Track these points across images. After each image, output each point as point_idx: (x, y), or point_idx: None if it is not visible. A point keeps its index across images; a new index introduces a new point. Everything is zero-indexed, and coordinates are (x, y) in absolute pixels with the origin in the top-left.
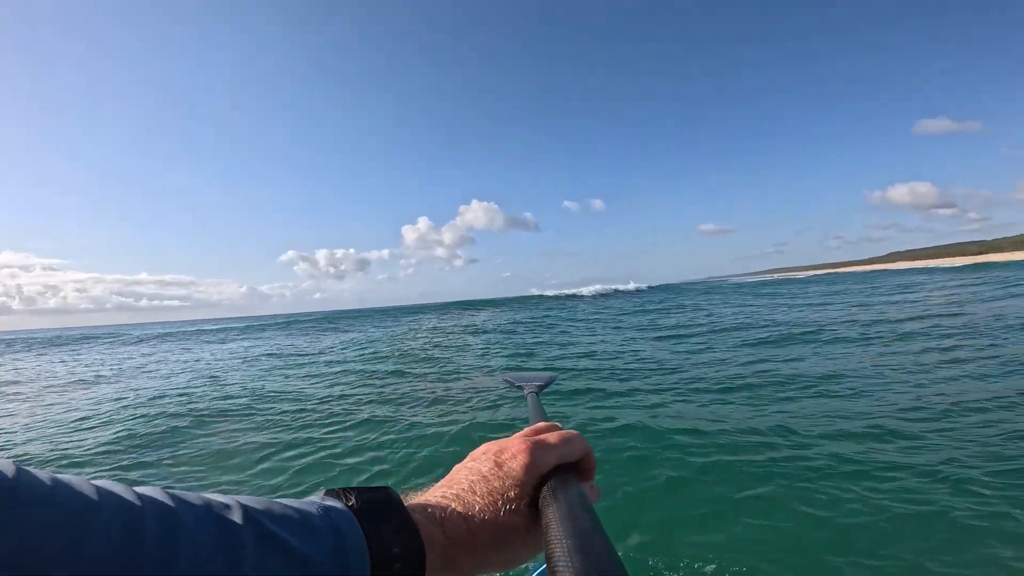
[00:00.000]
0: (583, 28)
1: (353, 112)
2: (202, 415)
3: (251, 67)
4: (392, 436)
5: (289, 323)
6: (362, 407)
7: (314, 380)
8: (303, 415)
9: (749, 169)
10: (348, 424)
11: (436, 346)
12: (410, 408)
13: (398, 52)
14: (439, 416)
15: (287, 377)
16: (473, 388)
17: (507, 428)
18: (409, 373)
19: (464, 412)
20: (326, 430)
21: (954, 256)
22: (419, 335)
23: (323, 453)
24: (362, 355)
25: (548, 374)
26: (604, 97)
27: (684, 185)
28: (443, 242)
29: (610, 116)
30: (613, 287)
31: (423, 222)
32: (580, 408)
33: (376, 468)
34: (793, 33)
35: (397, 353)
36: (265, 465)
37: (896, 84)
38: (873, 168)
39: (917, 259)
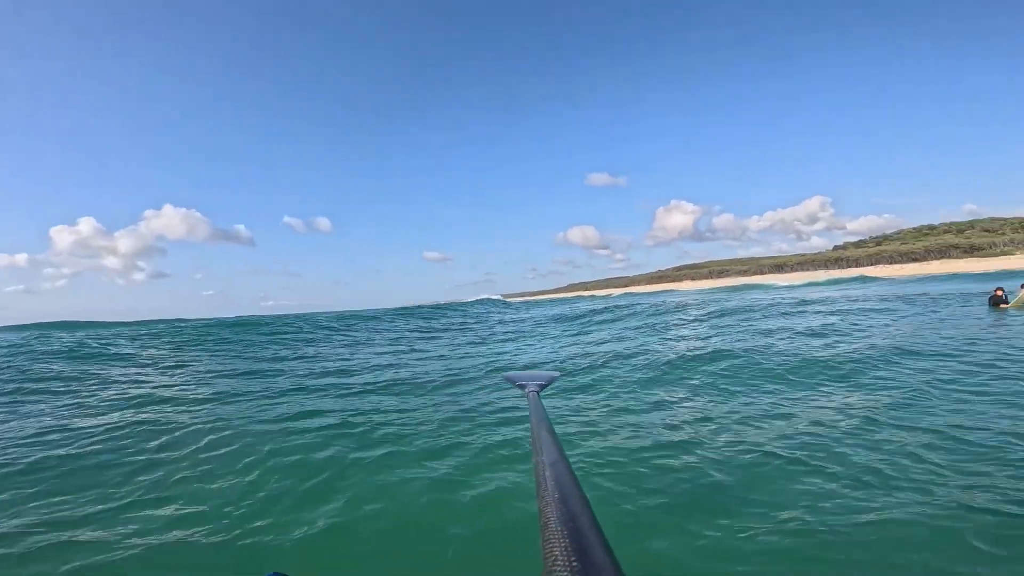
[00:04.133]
0: (312, 40)
1: None
2: None
3: None
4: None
5: None
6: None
7: None
8: None
9: (466, 203)
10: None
11: None
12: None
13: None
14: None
15: None
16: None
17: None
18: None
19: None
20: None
21: (611, 288)
22: None
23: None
24: None
25: (549, 373)
26: (335, 120)
27: (411, 212)
28: (117, 250)
29: (337, 133)
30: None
31: (87, 224)
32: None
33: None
34: (502, 92)
35: None
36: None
37: (574, 140)
38: (560, 212)
39: (588, 290)
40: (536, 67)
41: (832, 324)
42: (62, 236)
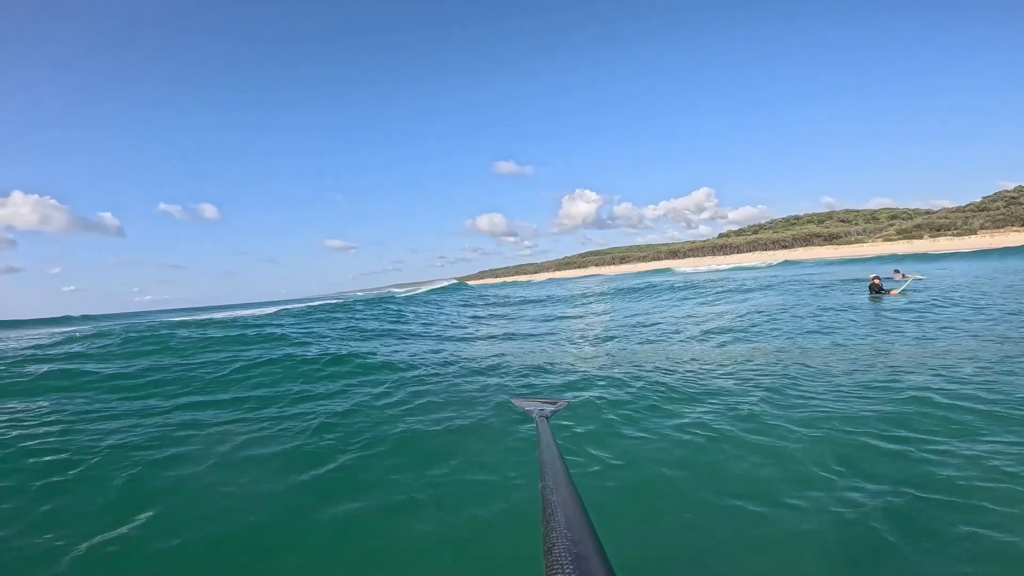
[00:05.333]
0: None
1: None
2: None
3: None
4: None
5: None
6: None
7: None
8: None
9: (368, 191)
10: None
11: None
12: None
13: None
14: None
15: None
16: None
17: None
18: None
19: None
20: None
21: (522, 275)
22: None
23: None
24: None
25: (559, 399)
26: (218, 102)
27: (308, 199)
28: None
29: (219, 115)
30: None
31: None
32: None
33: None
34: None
35: None
36: None
37: (480, 128)
38: (466, 200)
39: (498, 276)
40: (438, 52)
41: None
42: None
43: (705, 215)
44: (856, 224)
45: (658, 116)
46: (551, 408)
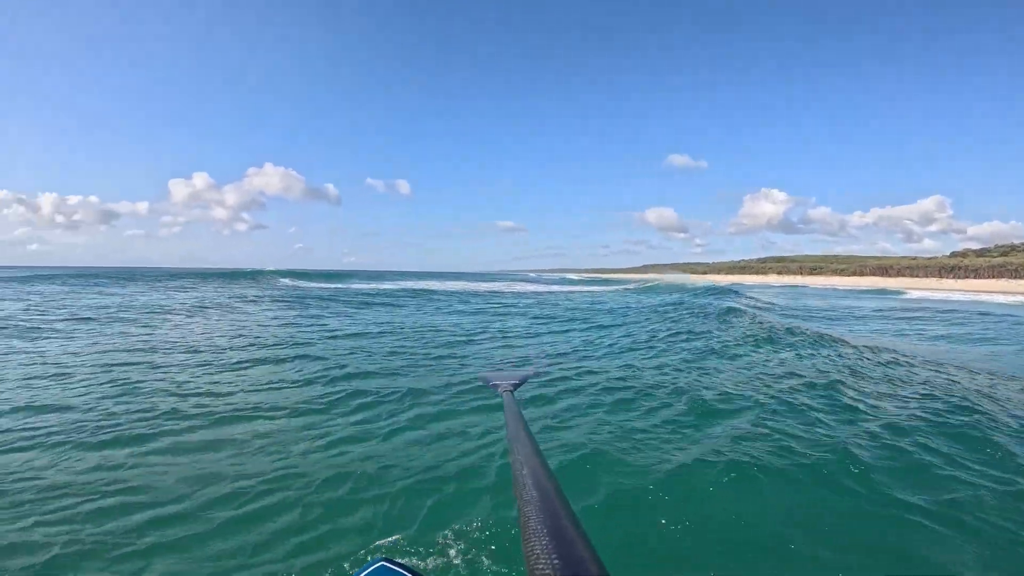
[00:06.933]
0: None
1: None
2: None
3: None
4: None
5: None
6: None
7: None
8: None
9: (541, 176)
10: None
11: None
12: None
13: None
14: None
15: None
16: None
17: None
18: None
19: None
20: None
21: (688, 272)
22: None
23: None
24: None
25: (524, 371)
26: (421, 88)
27: (487, 179)
28: (224, 203)
29: (420, 99)
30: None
31: (201, 178)
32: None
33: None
34: (584, 75)
35: None
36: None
37: (656, 119)
38: (635, 192)
39: (662, 272)
40: (617, 45)
41: None
42: (179, 188)
43: (933, 227)
44: None
45: (880, 113)
46: (516, 380)
